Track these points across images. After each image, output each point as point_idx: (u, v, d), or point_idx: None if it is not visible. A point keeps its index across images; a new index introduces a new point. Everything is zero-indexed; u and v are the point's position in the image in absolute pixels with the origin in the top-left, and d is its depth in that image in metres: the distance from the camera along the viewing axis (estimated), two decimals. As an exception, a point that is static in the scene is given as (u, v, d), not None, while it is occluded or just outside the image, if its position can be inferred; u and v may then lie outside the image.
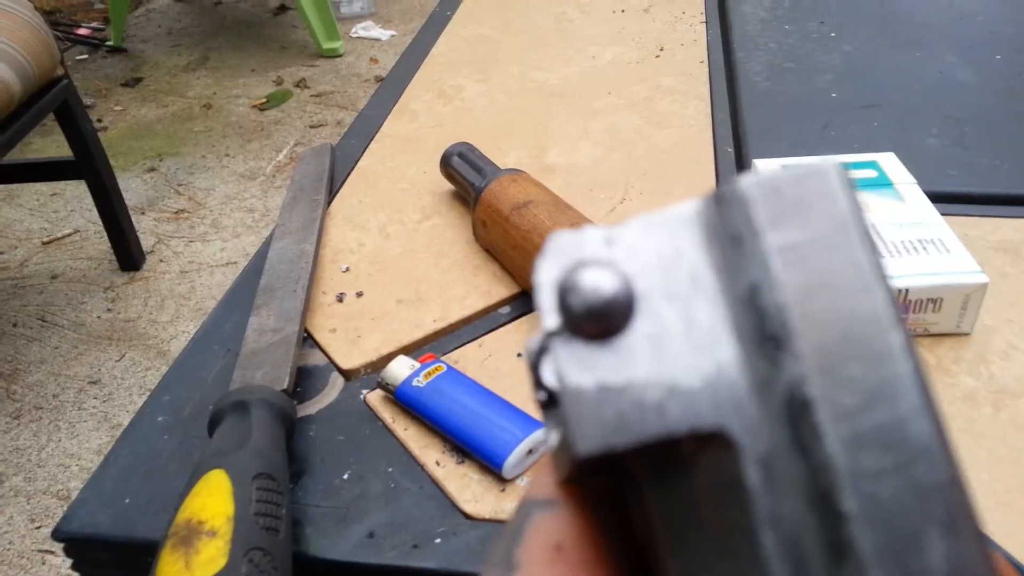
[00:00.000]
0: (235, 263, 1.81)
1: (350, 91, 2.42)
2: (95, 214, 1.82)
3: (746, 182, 0.13)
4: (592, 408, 0.12)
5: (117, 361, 1.59)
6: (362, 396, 0.47)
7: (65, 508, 1.32)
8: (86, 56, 2.61)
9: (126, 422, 1.47)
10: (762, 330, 0.12)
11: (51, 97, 1.49)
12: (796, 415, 0.11)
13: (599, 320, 0.12)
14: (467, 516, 0.40)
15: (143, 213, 1.93)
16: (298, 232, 0.58)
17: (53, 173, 1.69)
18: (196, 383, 0.48)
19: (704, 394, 0.12)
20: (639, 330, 0.13)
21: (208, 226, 1.91)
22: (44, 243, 1.87)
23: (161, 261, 1.81)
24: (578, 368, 0.13)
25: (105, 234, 1.78)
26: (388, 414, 0.46)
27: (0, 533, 1.28)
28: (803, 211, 0.12)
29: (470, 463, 0.43)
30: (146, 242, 1.83)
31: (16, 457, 1.43)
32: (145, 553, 0.37)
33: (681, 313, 0.13)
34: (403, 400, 0.45)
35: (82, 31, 2.68)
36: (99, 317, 1.68)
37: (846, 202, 0.13)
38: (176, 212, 1.95)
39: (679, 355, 0.12)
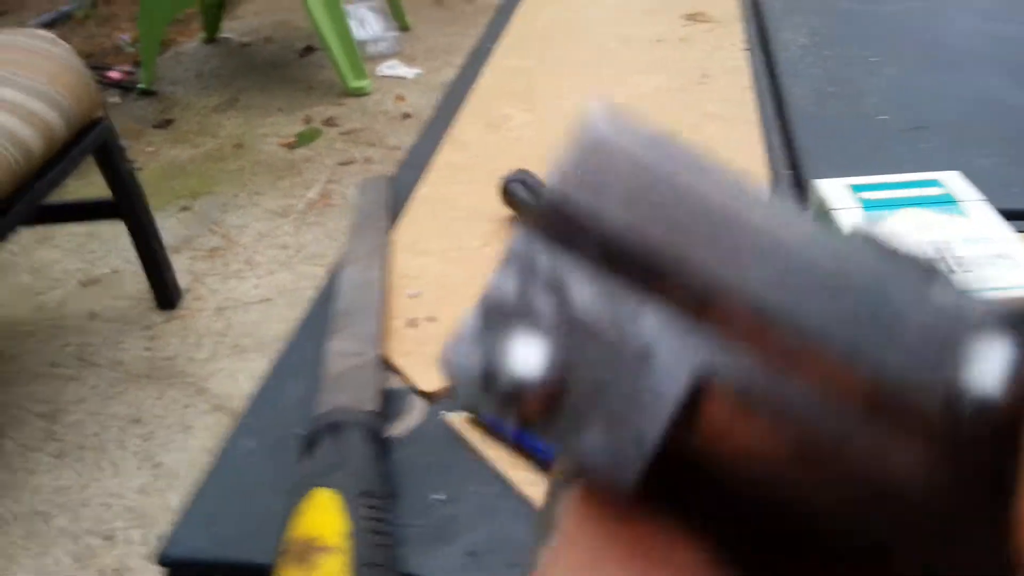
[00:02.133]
0: (270, 299, 1.82)
1: (378, 128, 2.45)
2: (131, 254, 1.84)
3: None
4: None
5: (157, 399, 1.60)
6: (445, 418, 0.48)
7: (109, 547, 1.33)
8: (118, 99, 2.66)
9: (168, 460, 1.49)
10: None
11: (92, 138, 1.52)
12: None
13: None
14: (563, 534, 0.40)
15: (178, 252, 1.95)
16: (365, 259, 0.59)
17: (92, 213, 1.72)
18: (280, 408, 0.49)
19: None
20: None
21: (242, 263, 1.93)
22: (82, 283, 1.89)
23: (197, 299, 1.83)
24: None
25: (141, 273, 1.80)
26: (473, 435, 0.46)
27: (47, 575, 1.28)
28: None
29: (559, 482, 0.43)
30: (182, 280, 1.85)
31: (60, 497, 1.44)
32: (250, 574, 0.37)
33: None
34: (489, 421, 0.46)
35: (114, 74, 2.73)
36: (138, 356, 1.70)
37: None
38: (211, 250, 1.98)
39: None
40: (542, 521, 0.15)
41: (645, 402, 0.12)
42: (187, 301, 1.82)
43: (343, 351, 0.49)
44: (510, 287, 0.13)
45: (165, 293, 1.78)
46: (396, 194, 0.71)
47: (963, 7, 1.01)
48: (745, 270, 0.12)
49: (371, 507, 0.37)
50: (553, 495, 0.15)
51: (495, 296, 0.13)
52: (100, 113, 1.54)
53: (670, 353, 0.12)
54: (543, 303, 0.13)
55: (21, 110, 1.32)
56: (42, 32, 1.53)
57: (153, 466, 1.48)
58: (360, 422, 0.42)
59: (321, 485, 0.36)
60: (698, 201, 0.13)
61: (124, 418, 1.57)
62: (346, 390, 0.45)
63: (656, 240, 0.13)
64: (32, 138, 1.32)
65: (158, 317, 1.79)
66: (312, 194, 2.17)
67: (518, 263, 0.13)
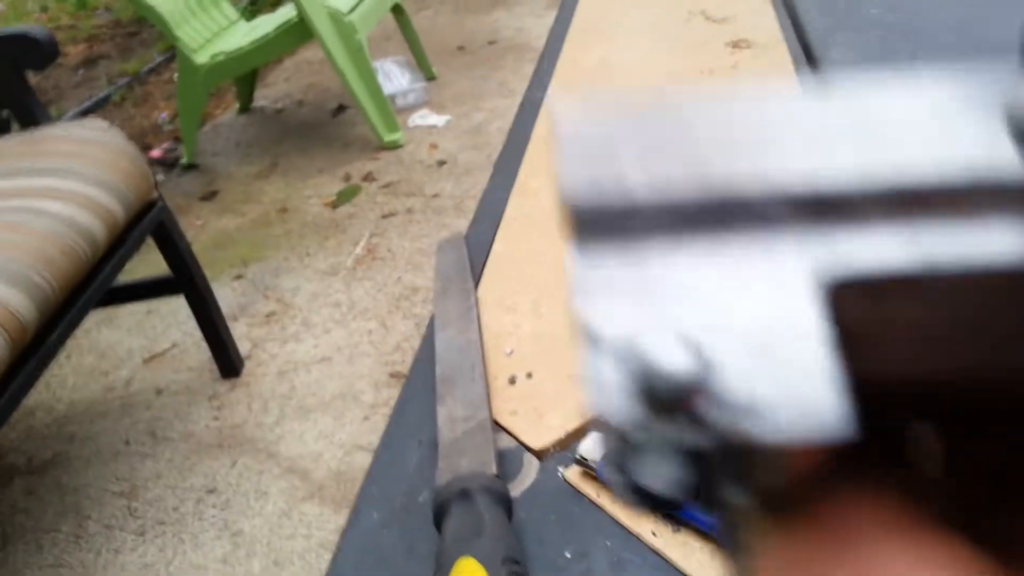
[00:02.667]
0: (329, 358, 1.85)
1: (415, 178, 2.49)
2: (190, 327, 1.88)
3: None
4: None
5: (230, 468, 1.62)
6: (560, 474, 0.48)
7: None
8: (162, 176, 2.73)
9: (247, 528, 1.50)
10: None
11: (149, 220, 1.56)
12: None
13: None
14: (701, 582, 0.40)
15: (236, 320, 1.99)
16: (458, 321, 0.60)
17: (154, 291, 1.76)
18: (399, 475, 0.49)
19: None
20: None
21: (299, 325, 1.96)
22: (145, 360, 1.93)
23: (259, 365, 1.86)
24: None
25: (201, 345, 1.84)
26: (591, 489, 0.47)
27: (142, 650, 1.30)
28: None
29: (686, 531, 0.43)
30: (242, 348, 1.88)
31: (146, 574, 1.45)
32: (401, 648, 0.38)
33: None
34: (605, 476, 0.46)
35: (155, 153, 2.81)
36: (207, 426, 1.72)
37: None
38: (267, 315, 2.01)
39: None
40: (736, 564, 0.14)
41: (801, 340, 0.11)
42: (249, 368, 1.85)
43: (454, 416, 0.50)
44: (609, 311, 0.12)
45: (228, 362, 1.81)
46: (473, 251, 0.72)
47: (1011, 15, 1.00)
48: (800, 166, 0.12)
49: (514, 573, 0.37)
50: (738, 530, 0.14)
51: (601, 328, 0.12)
52: (155, 195, 1.58)
53: (790, 279, 0.11)
54: (647, 303, 0.12)
55: (84, 200, 1.37)
56: (96, 121, 1.59)
57: (232, 535, 1.50)
58: (487, 487, 0.42)
59: (466, 553, 0.37)
60: (719, 123, 0.12)
61: (200, 489, 1.59)
62: (465, 455, 0.46)
63: (703, 183, 0.12)
64: (96, 227, 1.36)
65: (222, 386, 1.82)
66: (359, 250, 2.21)
67: (599, 286, 0.12)
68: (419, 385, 0.57)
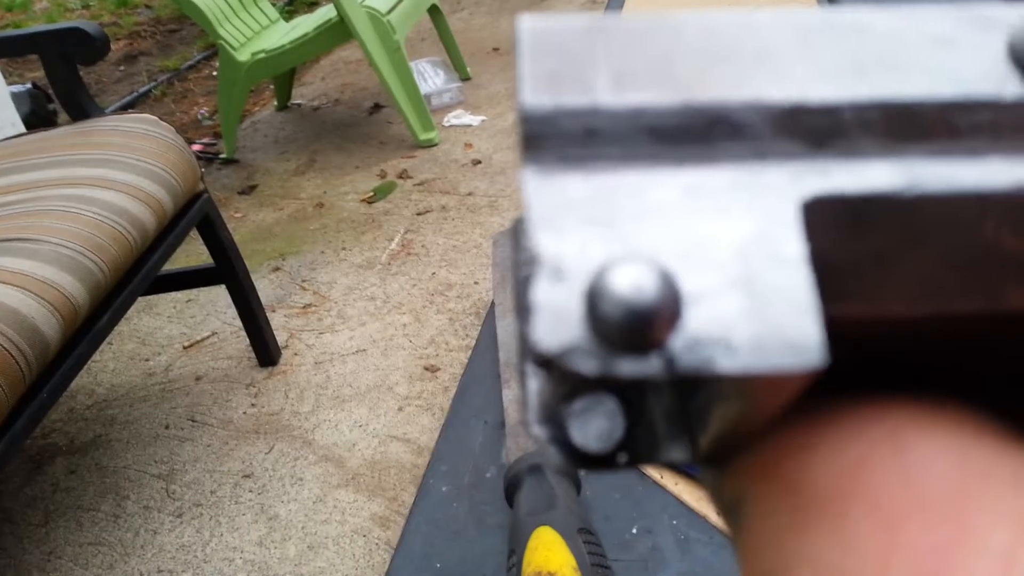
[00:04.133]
0: (364, 350, 1.88)
1: (450, 176, 2.52)
2: (229, 316, 1.92)
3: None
4: None
5: (266, 454, 1.66)
6: (622, 455, 0.50)
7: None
8: (203, 169, 2.78)
9: (282, 512, 1.54)
10: None
11: (196, 211, 1.60)
12: None
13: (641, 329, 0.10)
14: (763, 559, 0.42)
15: (273, 311, 2.02)
16: (518, 309, 0.62)
17: (197, 280, 1.80)
18: (466, 453, 0.52)
19: None
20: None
21: (335, 317, 2.00)
22: (185, 347, 1.97)
23: (296, 355, 1.89)
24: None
25: (239, 334, 1.88)
26: (655, 470, 0.49)
27: (182, 628, 1.33)
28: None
29: (746, 510, 0.45)
30: (279, 337, 1.92)
31: (183, 555, 1.49)
32: (479, 610, 0.40)
33: None
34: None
35: (196, 147, 2.86)
36: (244, 413, 1.76)
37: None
38: (304, 307, 2.05)
39: None
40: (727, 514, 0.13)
41: (775, 265, 0.10)
42: (286, 357, 1.89)
43: (519, 399, 0.52)
44: (562, 238, 0.10)
45: (266, 351, 1.84)
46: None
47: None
48: (784, 76, 0.11)
49: (588, 542, 0.39)
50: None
51: (555, 258, 0.10)
52: (201, 186, 1.62)
53: (767, 200, 0.10)
54: (613, 229, 0.10)
55: (135, 190, 1.41)
56: (144, 116, 1.63)
57: (268, 519, 1.53)
58: (557, 464, 0.44)
59: (543, 523, 0.39)
60: (697, 33, 0.11)
61: (237, 474, 1.63)
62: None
63: (682, 98, 0.11)
64: (146, 216, 1.40)
65: (259, 375, 1.85)
66: (394, 245, 2.24)
67: (559, 211, 0.10)
68: (478, 370, 0.59)
